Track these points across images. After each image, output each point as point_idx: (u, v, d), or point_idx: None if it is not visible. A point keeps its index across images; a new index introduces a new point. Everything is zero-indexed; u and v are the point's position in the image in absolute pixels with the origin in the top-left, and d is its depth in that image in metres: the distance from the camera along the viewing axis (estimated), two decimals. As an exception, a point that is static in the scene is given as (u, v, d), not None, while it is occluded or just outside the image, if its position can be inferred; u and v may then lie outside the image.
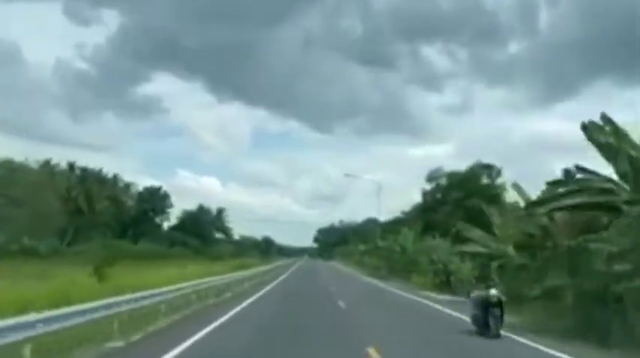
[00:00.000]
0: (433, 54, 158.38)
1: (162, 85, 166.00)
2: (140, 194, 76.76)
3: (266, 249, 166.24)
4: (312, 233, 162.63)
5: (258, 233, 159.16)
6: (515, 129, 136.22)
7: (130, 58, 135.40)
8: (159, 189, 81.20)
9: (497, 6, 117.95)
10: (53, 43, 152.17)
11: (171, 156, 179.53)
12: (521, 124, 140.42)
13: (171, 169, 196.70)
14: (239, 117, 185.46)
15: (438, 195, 49.17)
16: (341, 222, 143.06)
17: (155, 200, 78.67)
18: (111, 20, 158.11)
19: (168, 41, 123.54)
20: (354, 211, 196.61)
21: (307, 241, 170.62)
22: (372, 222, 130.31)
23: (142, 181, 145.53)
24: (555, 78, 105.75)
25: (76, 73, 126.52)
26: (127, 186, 72.49)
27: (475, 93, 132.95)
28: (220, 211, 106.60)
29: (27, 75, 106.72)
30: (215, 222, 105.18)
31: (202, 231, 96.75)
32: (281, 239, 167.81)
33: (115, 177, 69.64)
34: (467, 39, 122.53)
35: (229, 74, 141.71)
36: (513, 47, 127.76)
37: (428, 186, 50.97)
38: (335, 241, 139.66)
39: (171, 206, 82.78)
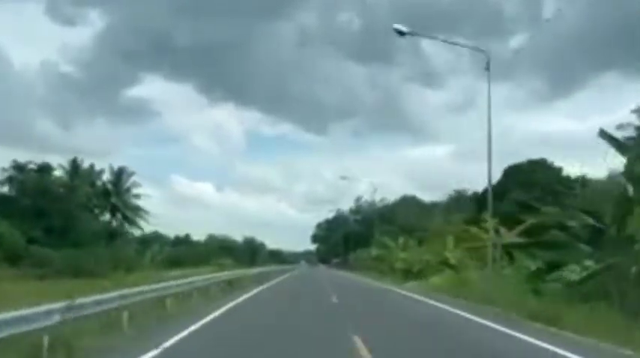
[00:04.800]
0: (434, 49, 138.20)
1: (151, 87, 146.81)
2: None
3: (251, 253, 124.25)
4: (310, 234, 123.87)
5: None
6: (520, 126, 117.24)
7: (115, 58, 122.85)
8: None
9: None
10: (37, 45, 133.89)
11: (164, 161, 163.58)
12: (525, 122, 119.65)
13: (165, 175, 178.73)
14: (232, 120, 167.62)
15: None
16: (358, 200, 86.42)
17: None
18: (95, 20, 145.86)
19: (155, 40, 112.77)
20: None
21: (305, 245, 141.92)
22: (409, 201, 79.13)
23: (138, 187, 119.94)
24: (561, 71, 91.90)
25: (62, 75, 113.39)
26: None
27: (478, 91, 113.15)
28: (120, 174, 51.63)
29: (10, 79, 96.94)
30: (107, 196, 50.37)
31: (65, 211, 41.98)
32: (278, 244, 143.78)
33: None
34: (470, 32, 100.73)
35: (221, 74, 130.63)
36: (518, 41, 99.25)
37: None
38: (346, 236, 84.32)
39: None
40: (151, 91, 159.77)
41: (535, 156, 46.80)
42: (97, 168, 50.74)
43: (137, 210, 51.87)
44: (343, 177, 58.15)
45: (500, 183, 38.18)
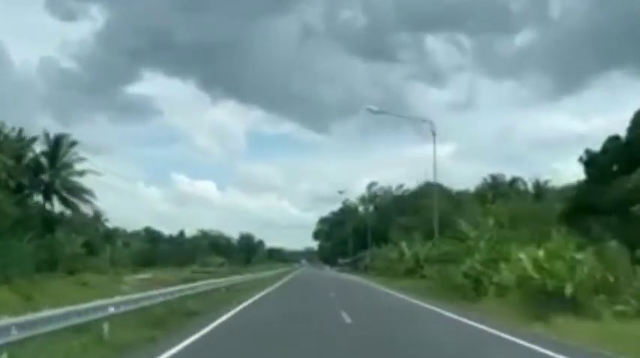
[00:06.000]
0: (438, 46, 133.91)
1: (152, 84, 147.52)
2: None
3: (247, 251, 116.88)
4: (311, 233, 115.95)
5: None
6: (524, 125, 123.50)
7: (116, 54, 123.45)
8: None
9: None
10: (36, 40, 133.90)
11: (166, 160, 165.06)
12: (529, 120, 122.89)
13: (167, 173, 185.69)
14: (234, 118, 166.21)
15: None
16: (372, 186, 72.16)
17: None
18: (95, 15, 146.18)
19: (157, 36, 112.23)
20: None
21: (306, 242, 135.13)
22: (435, 189, 65.76)
23: (139, 187, 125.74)
24: (565, 69, 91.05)
25: (62, 71, 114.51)
26: None
27: (482, 88, 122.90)
28: (57, 144, 39.09)
29: (10, 74, 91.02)
30: (38, 172, 38.01)
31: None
32: (280, 243, 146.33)
33: None
34: (475, 29, 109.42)
35: (223, 71, 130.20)
36: (524, 38, 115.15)
37: None
38: (357, 230, 71.26)
39: None
40: (152, 88, 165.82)
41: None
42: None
43: (80, 191, 39.30)
44: (372, 110, 42.44)
45: (631, 131, 25.05)
